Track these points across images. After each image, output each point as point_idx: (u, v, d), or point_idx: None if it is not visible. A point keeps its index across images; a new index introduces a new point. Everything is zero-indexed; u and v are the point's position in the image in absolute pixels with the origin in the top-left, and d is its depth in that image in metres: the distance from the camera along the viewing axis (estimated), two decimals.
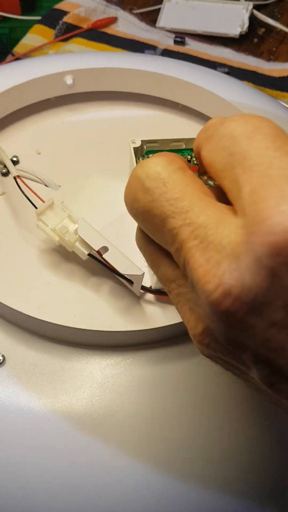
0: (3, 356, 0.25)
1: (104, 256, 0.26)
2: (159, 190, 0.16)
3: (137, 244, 0.20)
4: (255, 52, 0.57)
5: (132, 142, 0.32)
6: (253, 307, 0.14)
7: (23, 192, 0.29)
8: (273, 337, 0.14)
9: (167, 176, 0.16)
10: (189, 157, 0.31)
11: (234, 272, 0.14)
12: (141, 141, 0.32)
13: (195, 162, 0.31)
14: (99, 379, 0.25)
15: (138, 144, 0.31)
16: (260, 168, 0.15)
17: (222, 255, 0.14)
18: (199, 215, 0.15)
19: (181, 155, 0.31)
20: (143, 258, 0.20)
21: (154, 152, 0.31)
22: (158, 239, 0.17)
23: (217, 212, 0.15)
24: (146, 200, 0.17)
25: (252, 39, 0.58)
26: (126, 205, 0.18)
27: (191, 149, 0.32)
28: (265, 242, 0.14)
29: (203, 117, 0.38)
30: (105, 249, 0.26)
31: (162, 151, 0.31)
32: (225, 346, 0.16)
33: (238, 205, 0.15)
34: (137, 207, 0.17)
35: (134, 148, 0.31)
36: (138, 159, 0.31)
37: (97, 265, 0.28)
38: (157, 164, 0.17)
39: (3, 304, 0.26)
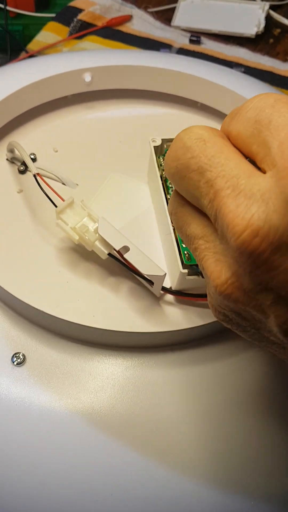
0: (23, 355, 0.25)
1: (125, 256, 0.26)
2: (199, 148, 0.18)
3: (170, 209, 0.21)
4: (270, 52, 0.56)
5: (153, 141, 0.31)
6: (278, 246, 0.15)
7: (43, 190, 0.28)
8: None
9: (208, 137, 0.18)
10: None
11: (262, 214, 0.15)
12: (162, 139, 0.31)
13: None
14: (120, 380, 0.24)
15: (158, 142, 0.31)
16: (286, 127, 0.16)
17: (251, 201, 0.16)
18: (233, 169, 0.17)
19: None
20: (173, 222, 0.21)
21: None
22: (194, 193, 0.18)
23: (249, 167, 0.17)
24: (186, 157, 0.18)
25: (267, 40, 0.58)
26: (165, 166, 0.19)
27: None
28: None
29: (222, 116, 0.37)
30: (126, 248, 0.26)
31: None
32: (248, 292, 0.17)
33: (268, 162, 0.16)
34: (177, 165, 0.18)
35: (154, 146, 0.31)
36: (158, 158, 0.31)
37: (115, 264, 0.28)
38: (199, 128, 0.18)
39: (23, 302, 0.25)
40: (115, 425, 0.23)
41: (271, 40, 0.58)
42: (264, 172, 0.16)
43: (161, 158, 0.31)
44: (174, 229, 0.27)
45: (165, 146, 0.31)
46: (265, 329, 0.18)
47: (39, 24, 0.57)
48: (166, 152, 0.31)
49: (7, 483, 0.22)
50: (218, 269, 0.17)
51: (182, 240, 0.20)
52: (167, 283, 0.27)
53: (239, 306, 0.17)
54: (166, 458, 0.23)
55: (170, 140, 0.32)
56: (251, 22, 0.56)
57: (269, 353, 0.26)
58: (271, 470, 0.23)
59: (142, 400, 0.24)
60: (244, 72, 0.50)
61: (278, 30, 0.59)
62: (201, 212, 0.19)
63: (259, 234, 0.15)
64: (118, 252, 0.26)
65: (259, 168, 0.17)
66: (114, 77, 0.37)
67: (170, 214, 0.21)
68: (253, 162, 0.18)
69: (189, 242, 0.19)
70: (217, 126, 0.37)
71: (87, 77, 0.36)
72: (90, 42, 0.55)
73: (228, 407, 0.24)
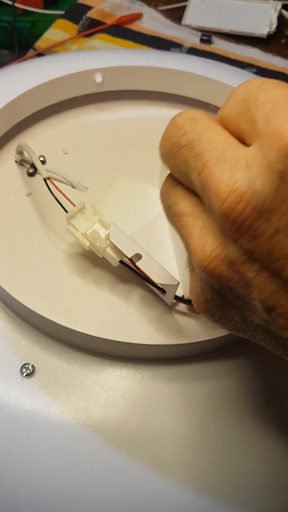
0: (33, 366, 0.24)
1: (137, 264, 0.25)
2: (190, 126, 0.18)
3: (161, 191, 0.21)
4: (282, 53, 0.55)
5: None
6: (261, 212, 0.16)
7: (53, 195, 0.28)
8: (278, 244, 0.16)
9: (199, 117, 0.19)
10: None
11: (246, 179, 0.16)
12: None
13: None
14: (133, 394, 0.24)
15: None
16: (271, 101, 0.17)
17: (236, 168, 0.16)
18: (221, 142, 0.17)
19: None
20: (162, 203, 0.21)
21: None
22: (184, 170, 0.19)
23: (236, 141, 0.18)
24: (178, 135, 0.19)
25: (279, 40, 0.57)
26: (160, 148, 0.20)
27: None
28: (275, 147, 0.15)
29: None
30: (139, 256, 0.25)
31: None
32: (232, 265, 0.17)
33: (253, 134, 0.17)
34: (169, 144, 0.19)
35: None
36: None
37: (126, 271, 0.27)
38: (192, 111, 0.19)
39: (31, 310, 0.25)
40: (127, 441, 0.22)
41: (283, 40, 0.57)
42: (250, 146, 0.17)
43: None
44: None
45: None
46: (249, 310, 0.18)
47: (48, 22, 0.56)
48: None
49: (15, 498, 0.22)
50: (202, 243, 0.18)
51: (169, 220, 0.21)
52: (179, 292, 0.27)
53: (223, 283, 0.18)
54: (181, 475, 0.22)
55: None
56: (263, 22, 0.55)
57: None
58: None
59: (156, 415, 0.23)
60: (255, 73, 0.50)
61: None
62: (192, 192, 0.19)
63: (243, 200, 0.16)
64: (130, 259, 0.26)
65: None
66: (126, 77, 0.36)
67: (161, 195, 0.21)
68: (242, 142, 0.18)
69: (176, 220, 0.20)
70: None
71: (98, 78, 0.35)
72: (99, 40, 0.54)
73: (246, 422, 0.24)
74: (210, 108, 0.37)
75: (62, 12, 0.56)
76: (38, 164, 0.29)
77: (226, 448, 0.23)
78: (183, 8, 0.57)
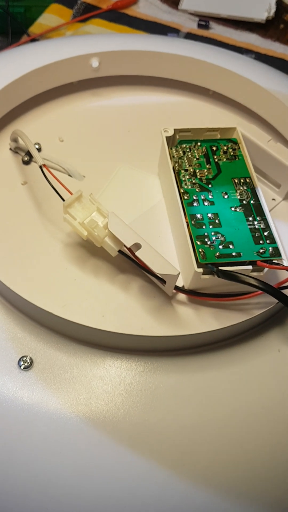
0: (30, 359, 0.23)
1: (136, 253, 0.25)
2: None
3: None
4: (281, 38, 0.54)
5: (165, 131, 0.30)
6: None
7: (49, 183, 0.27)
8: None
9: None
10: (225, 148, 0.29)
11: None
12: (174, 130, 0.30)
13: (231, 153, 0.29)
14: (133, 386, 0.23)
15: (170, 133, 0.30)
16: None
17: None
18: None
19: (216, 145, 0.29)
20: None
21: (187, 142, 0.30)
22: None
23: None
24: None
25: (278, 25, 0.56)
26: None
27: (227, 140, 0.30)
28: None
29: (235, 105, 0.36)
30: (138, 246, 0.25)
31: (195, 141, 0.30)
32: None
33: None
34: None
35: (166, 137, 0.29)
36: (171, 149, 0.29)
37: (125, 261, 0.27)
38: None
39: (29, 302, 0.24)
40: (128, 434, 0.22)
41: (282, 26, 0.56)
42: None
43: (173, 149, 0.29)
44: (188, 225, 0.26)
45: (177, 137, 0.30)
46: None
47: (42, 6, 0.54)
48: (178, 143, 0.29)
49: (14, 491, 0.21)
50: None
51: None
52: (179, 282, 0.26)
53: None
54: (181, 468, 0.22)
55: (183, 130, 0.30)
56: (262, 7, 0.54)
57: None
58: None
59: (157, 407, 0.23)
60: (254, 58, 0.49)
61: None
62: None
63: None
64: (129, 249, 0.25)
65: None
66: (123, 62, 0.35)
67: None
68: None
69: None
70: (231, 115, 0.36)
71: (95, 63, 0.34)
72: (94, 25, 0.53)
73: (246, 414, 0.23)
74: (209, 93, 0.36)
75: None
76: (34, 151, 0.28)
77: (227, 439, 0.23)
78: None
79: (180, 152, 0.29)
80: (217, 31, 0.53)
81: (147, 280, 0.27)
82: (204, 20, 0.53)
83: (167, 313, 0.25)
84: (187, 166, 0.28)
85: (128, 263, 0.26)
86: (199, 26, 0.52)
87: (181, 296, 0.26)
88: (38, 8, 0.54)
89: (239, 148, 0.29)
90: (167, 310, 0.25)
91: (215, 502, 0.21)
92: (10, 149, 0.32)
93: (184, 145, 0.29)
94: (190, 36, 0.51)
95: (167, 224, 0.29)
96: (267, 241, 0.25)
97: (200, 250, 0.25)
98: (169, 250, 0.28)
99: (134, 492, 0.21)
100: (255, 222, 0.26)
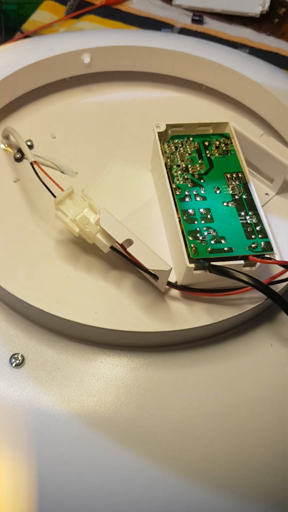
0: (22, 356, 0.23)
1: (128, 249, 0.25)
2: None
3: None
4: (276, 33, 0.54)
5: (157, 126, 0.30)
6: None
7: (40, 180, 0.27)
8: None
9: None
10: (217, 142, 0.29)
11: None
12: (166, 125, 0.30)
13: (224, 148, 0.29)
14: (125, 382, 0.23)
15: (162, 128, 0.29)
16: None
17: None
18: None
19: (209, 140, 0.29)
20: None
21: (179, 137, 0.29)
22: None
23: None
24: None
25: (272, 19, 0.55)
26: None
27: (219, 134, 0.30)
28: None
29: (228, 100, 0.35)
30: (129, 242, 0.25)
31: (188, 136, 0.29)
32: None
33: None
34: None
35: (158, 132, 0.29)
36: (163, 144, 0.29)
37: (118, 258, 0.27)
38: None
39: (21, 300, 0.24)
40: (120, 430, 0.22)
41: (276, 20, 0.56)
42: None
43: (165, 144, 0.29)
44: (180, 221, 0.26)
45: (169, 132, 0.30)
46: None
47: (35, 3, 0.54)
48: (171, 138, 0.29)
49: (6, 490, 0.21)
50: None
51: None
52: (172, 278, 0.26)
53: None
54: (174, 463, 0.22)
55: (176, 126, 0.30)
56: (256, 1, 0.54)
57: (280, 352, 0.25)
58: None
59: (149, 403, 0.23)
60: (249, 53, 0.48)
61: (283, 9, 0.56)
62: None
63: None
64: (121, 245, 0.25)
65: None
66: (115, 58, 0.35)
67: None
68: None
69: None
70: (224, 110, 0.36)
71: (86, 59, 0.34)
72: (88, 21, 0.52)
73: (239, 408, 0.23)
74: (202, 89, 0.36)
75: None
76: (25, 148, 0.28)
77: (220, 434, 0.23)
78: None
79: (172, 147, 0.29)
80: (211, 26, 0.53)
81: (140, 276, 0.27)
82: (198, 15, 0.53)
83: (160, 309, 0.25)
84: (179, 161, 0.28)
85: (121, 259, 0.26)
86: (193, 21, 0.52)
87: (174, 292, 0.26)
88: (31, 5, 0.54)
89: (231, 143, 0.29)
90: (160, 306, 0.25)
91: (208, 497, 0.21)
92: (2, 146, 0.32)
93: (176, 141, 0.29)
94: (184, 31, 0.51)
95: (160, 219, 0.29)
96: (259, 236, 0.25)
97: (192, 245, 0.25)
98: (162, 246, 0.28)
99: (126, 488, 0.21)
100: (247, 217, 0.26)
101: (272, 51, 0.51)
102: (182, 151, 0.29)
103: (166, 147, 0.29)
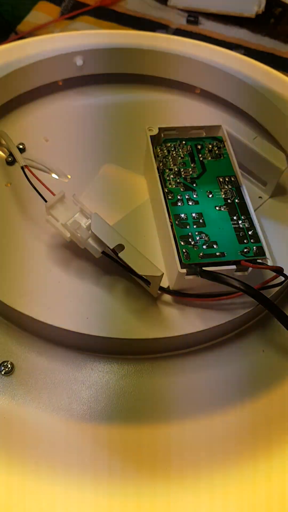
0: (11, 364, 0.23)
1: (119, 255, 0.24)
2: None
3: None
4: (271, 33, 0.54)
5: (149, 130, 0.29)
6: None
7: (31, 184, 0.27)
8: None
9: None
10: (210, 146, 0.29)
11: None
12: (159, 128, 0.29)
13: (216, 151, 0.29)
14: (116, 389, 0.23)
15: (155, 131, 0.29)
16: None
17: None
18: None
19: (201, 144, 0.29)
20: None
21: (172, 140, 0.29)
22: None
23: None
24: None
25: (268, 19, 0.55)
26: None
27: (212, 138, 0.30)
28: None
29: (222, 102, 0.35)
30: (121, 247, 0.24)
31: (181, 139, 0.29)
32: None
33: None
34: None
35: (151, 136, 0.29)
36: (155, 148, 0.29)
37: (110, 262, 0.26)
38: None
39: (10, 307, 0.24)
40: (110, 438, 0.22)
41: (272, 20, 0.55)
42: None
43: (158, 148, 0.29)
44: (172, 225, 0.26)
45: (162, 135, 0.30)
46: None
47: (29, 4, 0.54)
48: (163, 142, 0.29)
49: None
50: None
51: None
52: (164, 283, 0.26)
53: None
54: (165, 473, 0.21)
55: (168, 129, 0.30)
56: (252, 1, 0.53)
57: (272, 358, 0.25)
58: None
59: (140, 410, 0.22)
60: (244, 54, 0.48)
61: (279, 10, 0.56)
62: None
63: None
64: (113, 250, 0.25)
65: None
66: (108, 60, 0.34)
67: None
68: None
69: None
70: (218, 113, 0.35)
71: (79, 61, 0.34)
72: (83, 22, 0.52)
73: (235, 415, 0.23)
74: (195, 91, 0.36)
75: None
76: (15, 152, 0.28)
77: (212, 442, 0.23)
78: None
79: (165, 151, 0.29)
80: (207, 26, 0.52)
81: (132, 281, 0.26)
82: (193, 15, 0.52)
83: (152, 315, 0.25)
84: (172, 165, 0.28)
85: (113, 264, 0.26)
86: (188, 21, 0.52)
87: (166, 297, 0.26)
88: (26, 6, 0.54)
89: (224, 146, 0.29)
90: (153, 312, 0.25)
91: (199, 505, 0.21)
92: None
93: (169, 144, 0.29)
94: (179, 32, 0.51)
95: (153, 224, 0.29)
96: (252, 240, 0.25)
97: (184, 250, 0.25)
98: (155, 251, 0.28)
99: (116, 497, 0.21)
100: (240, 221, 0.26)
101: (267, 52, 0.50)
102: (174, 155, 0.29)
103: (159, 150, 0.29)
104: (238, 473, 0.22)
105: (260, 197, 0.31)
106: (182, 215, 0.26)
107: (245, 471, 0.22)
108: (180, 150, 0.29)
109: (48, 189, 0.27)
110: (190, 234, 0.25)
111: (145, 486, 0.21)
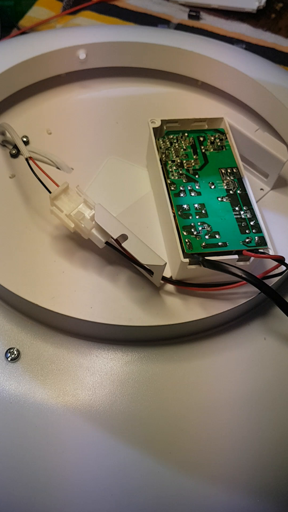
0: (18, 350, 0.24)
1: (123, 245, 0.25)
2: None
3: None
4: (272, 28, 0.54)
5: (152, 122, 0.30)
6: None
7: (36, 175, 0.27)
8: None
9: None
10: (212, 138, 0.29)
11: None
12: (161, 121, 0.30)
13: (218, 143, 0.29)
14: (120, 376, 0.23)
15: (157, 124, 0.30)
16: None
17: None
18: None
19: (204, 136, 0.29)
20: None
21: (174, 132, 0.29)
22: None
23: None
24: None
25: (269, 15, 0.55)
26: None
27: (214, 130, 0.30)
28: None
29: (224, 95, 0.36)
30: (124, 237, 0.25)
31: (183, 131, 0.29)
32: None
33: None
34: None
35: (153, 128, 0.29)
36: (158, 140, 0.29)
37: (113, 253, 0.27)
38: None
39: (17, 295, 0.24)
40: (115, 423, 0.22)
41: (273, 15, 0.56)
42: None
43: (160, 140, 0.29)
44: (174, 216, 0.26)
45: (164, 128, 0.30)
46: None
47: (31, 0, 0.54)
48: (166, 134, 0.29)
49: (2, 483, 0.22)
50: None
51: None
52: (167, 273, 0.26)
53: None
54: (169, 456, 0.22)
55: (171, 121, 0.30)
56: None
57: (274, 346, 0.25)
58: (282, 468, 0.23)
59: (143, 396, 0.23)
60: (245, 48, 0.49)
61: (280, 5, 0.56)
62: None
63: None
64: (116, 240, 0.25)
65: None
66: (110, 54, 0.35)
67: None
68: None
69: None
70: (219, 106, 0.36)
71: (82, 54, 0.34)
72: (85, 17, 0.52)
73: (233, 402, 0.23)
74: (198, 84, 0.36)
75: None
76: (20, 144, 0.28)
77: (214, 428, 0.23)
78: None
79: (167, 143, 0.29)
80: (208, 21, 0.52)
81: (135, 271, 0.27)
82: (195, 10, 0.53)
83: (155, 304, 0.25)
84: (174, 157, 0.28)
85: (116, 254, 0.26)
86: (190, 16, 0.52)
87: (169, 287, 0.26)
88: (28, 1, 0.54)
89: (226, 138, 0.29)
90: (155, 301, 0.25)
91: (202, 489, 0.22)
92: None
93: (172, 136, 0.29)
94: (180, 27, 0.51)
95: (155, 215, 0.29)
96: (253, 231, 0.25)
97: (187, 240, 0.25)
98: (158, 241, 0.28)
99: (121, 481, 0.21)
100: (242, 212, 0.26)
101: (268, 47, 0.50)
102: (177, 147, 0.29)
103: (161, 142, 0.29)
104: None
105: (261, 189, 0.31)
106: (185, 206, 0.26)
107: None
108: (182, 142, 0.29)
109: (52, 180, 0.27)
110: (192, 224, 0.26)
111: (149, 470, 0.21)
